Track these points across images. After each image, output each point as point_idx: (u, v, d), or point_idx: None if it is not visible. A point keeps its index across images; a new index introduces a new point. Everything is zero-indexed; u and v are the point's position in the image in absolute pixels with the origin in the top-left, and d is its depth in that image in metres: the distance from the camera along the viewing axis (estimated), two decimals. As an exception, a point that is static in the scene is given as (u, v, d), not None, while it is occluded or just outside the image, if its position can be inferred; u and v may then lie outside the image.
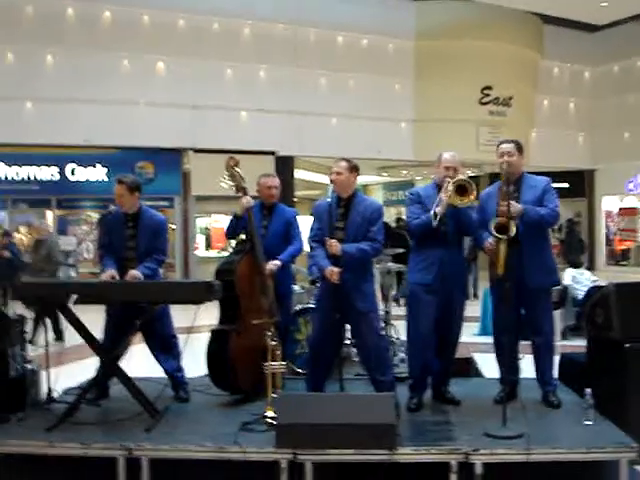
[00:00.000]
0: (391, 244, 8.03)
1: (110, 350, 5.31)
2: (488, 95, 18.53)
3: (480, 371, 6.92)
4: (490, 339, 5.71)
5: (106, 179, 16.10)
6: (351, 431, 4.31)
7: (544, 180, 5.40)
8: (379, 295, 6.00)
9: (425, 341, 5.33)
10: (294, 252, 6.09)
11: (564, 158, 19.40)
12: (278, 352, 5.10)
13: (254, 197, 5.99)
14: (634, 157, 18.90)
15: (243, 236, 6.00)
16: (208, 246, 18.31)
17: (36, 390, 5.66)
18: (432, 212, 5.14)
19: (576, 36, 19.65)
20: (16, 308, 6.90)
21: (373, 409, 4.42)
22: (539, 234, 5.31)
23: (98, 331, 5.50)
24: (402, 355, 6.92)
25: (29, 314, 6.38)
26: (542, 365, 5.40)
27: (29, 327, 7.13)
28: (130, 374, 5.33)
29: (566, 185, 18.84)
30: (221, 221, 17.50)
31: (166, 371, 5.76)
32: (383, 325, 7.09)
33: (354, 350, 6.43)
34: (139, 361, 6.51)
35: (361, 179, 5.45)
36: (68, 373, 6.02)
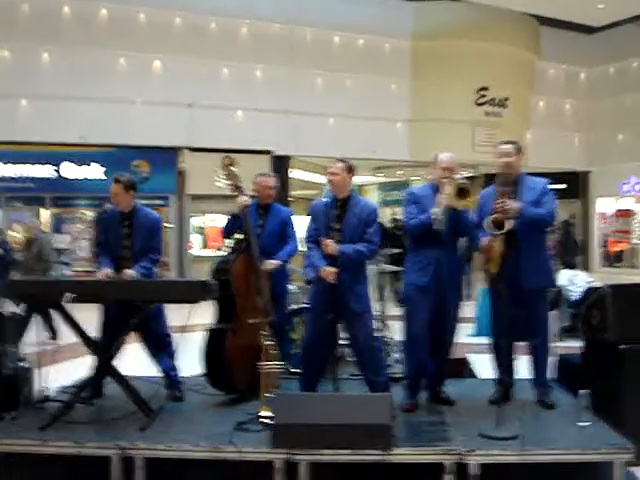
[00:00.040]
0: (391, 244, 8.04)
1: (105, 349, 5.29)
2: (484, 96, 18.52)
3: (474, 372, 6.91)
4: (485, 340, 5.71)
5: (102, 177, 16.05)
6: (346, 431, 4.30)
7: (542, 181, 5.40)
8: (374, 296, 6.00)
9: (420, 341, 5.33)
10: (291, 252, 6.10)
11: (560, 159, 19.40)
12: (274, 352, 5.09)
13: (250, 196, 5.98)
14: (629, 159, 18.91)
15: (239, 235, 5.99)
16: (204, 245, 18.26)
17: (29, 388, 5.65)
18: (429, 213, 5.15)
19: (572, 37, 19.65)
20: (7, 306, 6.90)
21: (368, 409, 4.41)
22: (536, 235, 5.31)
23: (93, 330, 5.48)
24: (397, 355, 6.92)
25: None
26: (537, 366, 5.41)
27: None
28: (124, 373, 5.32)
29: (562, 186, 18.81)
30: (216, 220, 17.47)
31: (161, 370, 5.75)
32: (378, 325, 7.09)
33: (349, 350, 6.42)
34: (133, 360, 6.49)
35: (357, 179, 5.45)
36: (62, 371, 6.00)
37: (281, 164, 16.66)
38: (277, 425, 4.38)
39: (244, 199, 5.72)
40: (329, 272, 5.12)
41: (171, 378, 5.74)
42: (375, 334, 5.82)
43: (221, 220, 16.48)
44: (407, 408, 5.31)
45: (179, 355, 5.83)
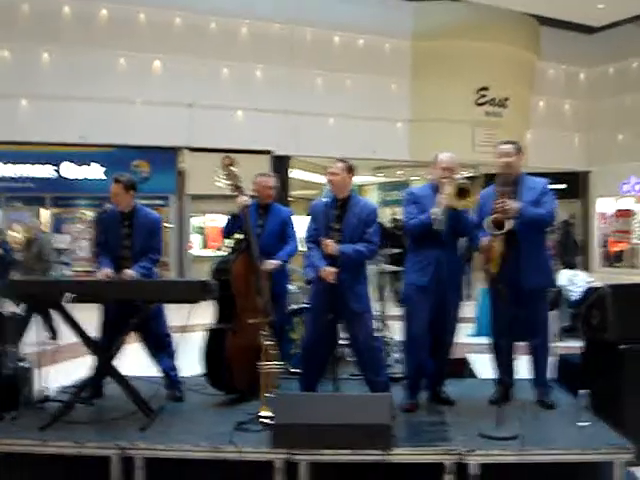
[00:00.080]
0: (391, 244, 8.04)
1: (105, 349, 5.29)
2: (484, 96, 18.52)
3: (474, 372, 6.91)
4: (485, 340, 5.71)
5: (102, 177, 16.05)
6: (346, 431, 4.30)
7: (542, 181, 5.40)
8: (374, 296, 5.99)
9: (420, 341, 5.33)
10: (291, 251, 6.10)
11: (559, 159, 19.40)
12: (274, 352, 5.09)
13: (251, 196, 5.98)
14: (629, 159, 18.91)
15: (239, 235, 5.99)
16: (204, 245, 18.26)
17: (29, 388, 5.65)
18: (428, 213, 5.15)
19: (572, 37, 19.64)
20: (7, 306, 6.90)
21: (368, 409, 4.41)
22: (536, 236, 5.31)
23: (93, 329, 5.48)
24: (397, 355, 6.92)
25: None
26: (537, 366, 5.41)
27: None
28: (124, 373, 5.32)
29: (561, 186, 18.80)
30: (216, 220, 17.47)
31: (161, 370, 5.75)
32: (378, 325, 7.09)
33: (349, 350, 6.41)
34: (133, 360, 6.49)
35: (357, 179, 5.45)
36: (62, 371, 6.00)
37: (281, 164, 16.65)
38: (277, 425, 4.38)
39: (244, 199, 5.72)
40: (329, 272, 5.12)
41: (171, 378, 5.73)
42: (375, 334, 5.83)
43: (221, 220, 16.49)
44: (407, 408, 5.31)
45: (179, 355, 5.82)
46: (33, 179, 16.07)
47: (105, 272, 5.50)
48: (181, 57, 16.07)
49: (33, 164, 16.05)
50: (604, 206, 20.35)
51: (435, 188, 5.32)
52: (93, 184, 16.08)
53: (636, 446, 4.32)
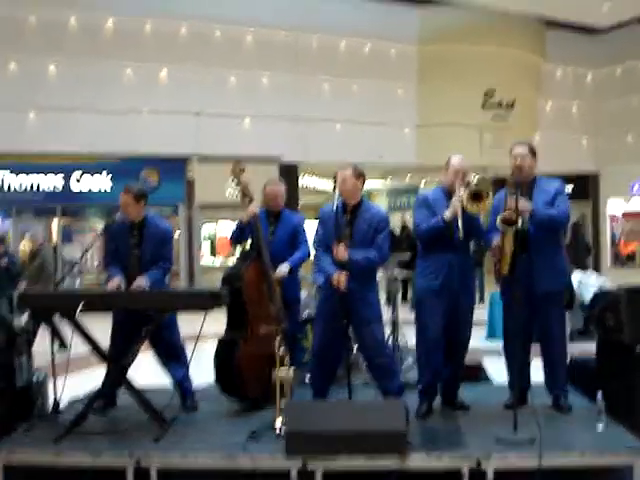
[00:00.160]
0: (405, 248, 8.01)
1: (118, 359, 5.28)
2: (491, 99, 18.48)
3: (489, 376, 6.87)
4: (498, 343, 5.68)
5: (111, 187, 16.09)
6: (361, 438, 4.28)
7: (556, 182, 5.37)
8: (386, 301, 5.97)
9: (434, 346, 5.30)
10: (302, 257, 6.08)
11: (568, 161, 19.29)
12: (287, 360, 5.06)
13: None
14: (638, 159, 18.84)
15: (249, 242, 5.98)
16: (213, 254, 18.26)
17: (43, 400, 5.65)
18: (439, 217, 5.13)
19: (578, 39, 19.58)
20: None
21: (383, 416, 4.39)
22: (550, 237, 5.27)
23: (104, 339, 5.47)
24: (411, 361, 6.89)
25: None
26: (553, 370, 5.36)
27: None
28: (137, 383, 5.31)
29: (571, 186, 18.73)
30: (226, 229, 17.48)
31: (173, 379, 5.73)
32: (391, 331, 7.07)
33: (361, 357, 6.38)
34: (147, 370, 6.49)
35: (365, 185, 5.41)
36: (75, 383, 5.98)
37: (289, 171, 16.63)
38: (291, 433, 4.36)
39: (253, 208, 5.71)
40: (341, 279, 5.08)
41: (184, 388, 5.71)
42: (386, 340, 5.81)
43: (230, 228, 16.49)
44: (421, 414, 5.28)
45: (191, 364, 5.81)
46: (42, 190, 16.12)
47: (115, 282, 5.49)
48: (187, 66, 16.10)
49: (44, 175, 16.08)
50: (614, 207, 20.27)
51: (446, 192, 5.30)
52: (102, 194, 16.13)
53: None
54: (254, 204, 5.76)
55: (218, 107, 16.27)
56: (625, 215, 20.06)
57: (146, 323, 5.23)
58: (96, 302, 5.09)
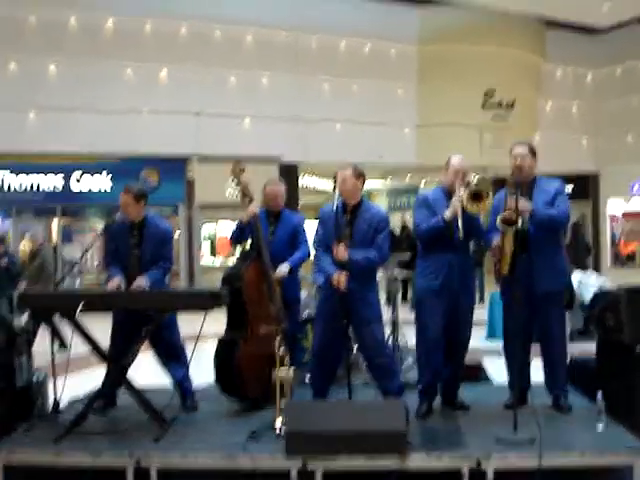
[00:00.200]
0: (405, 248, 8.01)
1: (118, 359, 5.28)
2: (491, 99, 18.47)
3: (489, 376, 6.87)
4: (498, 343, 5.68)
5: (110, 188, 16.10)
6: (361, 438, 4.28)
7: (556, 182, 5.37)
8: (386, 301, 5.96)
9: (434, 346, 5.30)
10: (302, 257, 6.08)
11: (568, 161, 19.28)
12: (287, 360, 5.06)
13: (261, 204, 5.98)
14: (638, 159, 18.84)
15: (249, 242, 5.98)
16: (213, 254, 18.27)
17: (43, 400, 5.65)
18: (439, 217, 5.13)
19: (578, 39, 19.58)
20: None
21: (383, 416, 4.39)
22: (550, 237, 5.27)
23: (104, 339, 5.47)
24: (411, 361, 6.89)
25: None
26: (553, 370, 5.36)
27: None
28: (137, 383, 5.31)
29: (571, 187, 18.74)
30: (226, 229, 17.48)
31: (173, 380, 5.73)
32: (391, 331, 7.06)
33: (361, 357, 6.38)
34: (147, 369, 6.48)
35: (365, 184, 5.41)
36: (75, 383, 5.98)
37: (289, 171, 16.63)
38: (291, 433, 4.36)
39: (253, 208, 5.71)
40: (341, 279, 5.08)
41: (184, 388, 5.71)
42: (386, 340, 5.81)
43: (230, 228, 16.49)
44: (421, 414, 5.28)
45: (191, 364, 5.80)
46: (43, 190, 16.12)
47: (115, 283, 5.49)
48: (187, 66, 16.11)
49: (43, 175, 16.09)
50: (615, 207, 20.28)
51: (446, 192, 5.30)
52: (102, 194, 16.13)
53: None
54: (254, 204, 5.76)
55: (218, 107, 16.27)
56: (625, 215, 20.07)
57: (146, 323, 5.23)
58: (96, 302, 5.09)
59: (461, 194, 5.07)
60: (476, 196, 5.03)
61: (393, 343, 7.14)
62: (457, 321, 5.32)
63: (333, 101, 17.44)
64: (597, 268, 18.78)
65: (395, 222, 18.19)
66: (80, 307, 4.87)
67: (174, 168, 16.64)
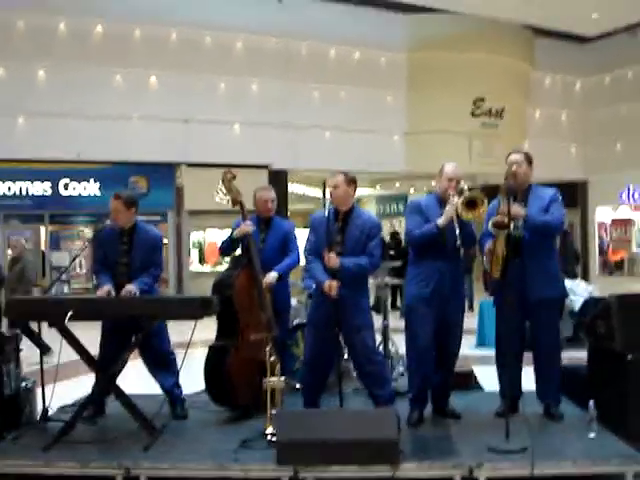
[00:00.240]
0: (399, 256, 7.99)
1: (107, 367, 5.23)
2: (480, 107, 18.54)
3: (480, 384, 6.86)
4: (488, 351, 5.66)
5: (99, 194, 16.04)
6: (353, 447, 4.25)
7: (552, 190, 5.38)
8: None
9: (424, 354, 5.28)
10: (291, 264, 6.04)
11: (557, 169, 19.31)
12: (277, 367, 5.03)
13: (250, 210, 5.95)
14: (627, 168, 18.93)
15: (240, 250, 5.96)
16: (201, 261, 18.23)
17: (31, 408, 5.59)
18: (432, 224, 5.12)
19: (567, 47, 19.69)
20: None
21: (375, 424, 4.37)
22: (543, 244, 5.27)
23: (93, 347, 5.43)
24: (401, 369, 6.87)
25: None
26: (546, 378, 5.35)
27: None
28: (126, 390, 5.27)
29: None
30: (214, 235, 17.47)
31: (163, 388, 5.69)
32: (381, 339, 7.04)
33: (352, 365, 6.36)
34: (135, 377, 6.44)
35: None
36: (63, 390, 5.94)
37: (278, 178, 16.62)
38: (282, 442, 4.33)
39: (247, 227, 5.69)
40: (333, 286, 5.06)
41: (174, 396, 5.67)
42: (377, 348, 5.78)
43: (219, 236, 16.48)
44: (412, 422, 5.26)
45: (181, 372, 5.76)
46: (31, 196, 16.03)
47: (105, 289, 5.45)
48: (177, 72, 16.06)
49: (30, 181, 16.00)
50: (603, 215, 20.37)
51: (439, 199, 5.29)
52: (91, 201, 16.07)
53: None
54: (248, 223, 5.74)
55: (207, 113, 16.26)
56: (613, 223, 20.15)
57: (136, 330, 5.19)
58: (85, 309, 5.06)
59: (456, 201, 5.06)
60: (471, 203, 5.03)
61: (383, 350, 7.12)
62: (447, 328, 5.31)
63: (322, 108, 17.44)
64: (585, 276, 18.82)
65: (384, 229, 18.20)
66: (69, 315, 4.83)
67: (163, 174, 16.60)
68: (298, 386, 6.29)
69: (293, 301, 7.24)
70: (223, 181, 5.81)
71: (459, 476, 4.21)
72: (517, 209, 5.09)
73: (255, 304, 5.57)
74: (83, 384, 5.81)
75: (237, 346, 5.52)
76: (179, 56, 16.12)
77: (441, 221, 5.09)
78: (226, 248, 6.00)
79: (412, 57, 18.18)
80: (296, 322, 6.95)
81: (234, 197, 5.78)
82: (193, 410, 5.73)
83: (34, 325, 7.53)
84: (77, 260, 15.54)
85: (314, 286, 5.62)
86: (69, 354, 5.26)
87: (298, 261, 6.15)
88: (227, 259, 6.48)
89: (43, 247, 16.60)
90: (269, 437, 4.72)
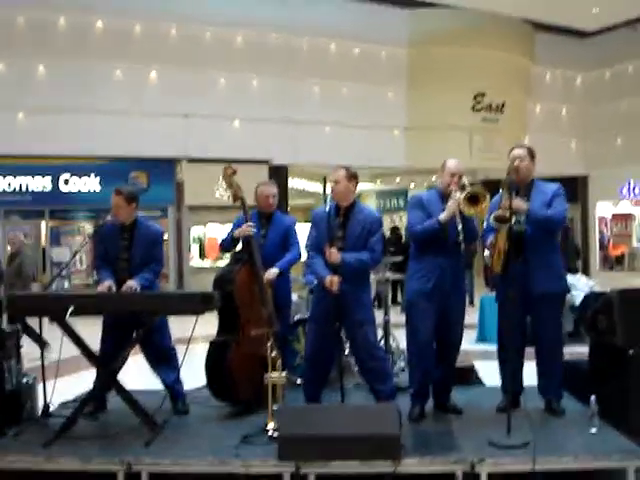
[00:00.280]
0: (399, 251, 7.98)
1: (108, 362, 5.23)
2: (481, 102, 18.52)
3: (481, 379, 6.85)
4: (489, 346, 5.66)
5: (99, 189, 16.04)
6: (354, 442, 4.25)
7: (555, 185, 5.37)
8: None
9: (425, 349, 5.28)
10: (292, 259, 6.04)
11: (557, 164, 19.30)
12: (279, 363, 5.02)
13: (251, 206, 5.95)
14: (627, 162, 18.94)
15: (240, 246, 5.95)
16: (202, 256, 18.23)
17: (32, 404, 5.59)
18: (434, 219, 5.11)
19: (567, 42, 19.68)
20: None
21: (376, 420, 4.36)
22: (546, 239, 5.26)
23: (94, 342, 5.43)
24: (402, 364, 6.87)
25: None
26: (547, 374, 5.34)
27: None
28: (128, 386, 5.26)
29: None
30: (215, 231, 17.47)
31: (164, 383, 5.68)
32: (382, 334, 7.04)
33: (353, 359, 6.37)
34: (137, 372, 6.44)
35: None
36: (64, 386, 5.93)
37: (279, 173, 16.62)
38: (284, 437, 4.33)
39: (248, 229, 5.68)
40: (333, 281, 5.06)
41: (175, 391, 5.66)
42: (379, 343, 5.78)
43: (219, 231, 16.50)
44: (414, 417, 5.25)
45: (182, 367, 5.76)
46: (31, 192, 16.04)
47: (106, 285, 5.44)
48: (177, 68, 16.06)
49: (31, 177, 16.00)
50: (603, 210, 20.37)
51: (441, 194, 5.29)
52: (91, 196, 16.07)
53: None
54: (250, 224, 5.73)
55: (208, 109, 16.25)
56: (614, 218, 20.15)
57: (136, 326, 5.19)
58: (86, 305, 5.04)
59: (458, 196, 5.06)
60: (473, 199, 5.02)
61: (384, 346, 7.12)
62: (448, 323, 5.30)
63: (323, 103, 17.44)
64: (586, 271, 18.82)
65: (385, 224, 18.19)
66: (70, 310, 4.83)
67: (163, 170, 16.60)
68: (299, 381, 6.31)
69: (294, 296, 7.25)
70: (224, 177, 5.80)
71: (460, 471, 4.20)
72: (519, 203, 5.09)
73: (256, 299, 5.57)
74: (84, 380, 5.81)
75: (238, 341, 5.52)
76: (179, 51, 16.11)
77: (443, 216, 5.09)
78: (227, 245, 6.00)
79: (412, 52, 18.17)
80: (297, 317, 6.95)
81: (235, 192, 5.78)
82: (194, 405, 5.72)
83: (35, 321, 7.51)
84: (77, 256, 15.51)
85: (315, 281, 5.63)
86: (70, 350, 5.26)
87: (299, 256, 6.15)
88: (227, 254, 6.46)
89: (43, 243, 16.61)
90: (270, 432, 4.72)
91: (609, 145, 19.61)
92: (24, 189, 16.00)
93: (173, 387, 5.65)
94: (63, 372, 5.62)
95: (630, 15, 17.59)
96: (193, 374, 6.06)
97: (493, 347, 5.63)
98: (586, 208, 20.71)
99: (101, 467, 4.40)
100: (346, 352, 6.36)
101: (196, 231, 17.99)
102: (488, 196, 5.06)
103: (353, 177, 5.29)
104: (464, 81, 17.98)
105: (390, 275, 7.47)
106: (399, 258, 8.30)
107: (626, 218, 19.85)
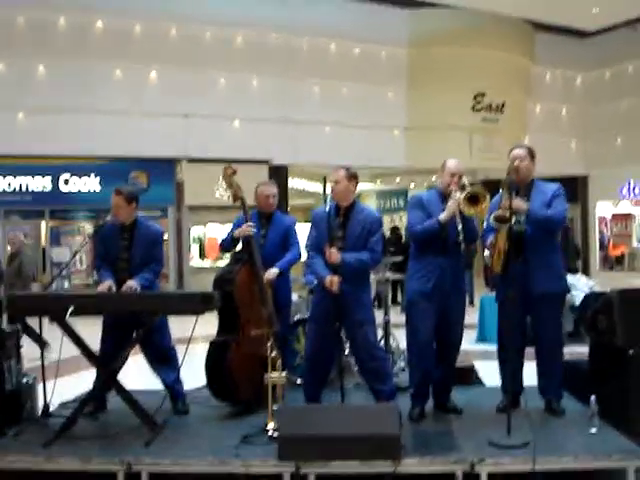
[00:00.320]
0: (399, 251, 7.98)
1: (108, 362, 5.23)
2: (481, 102, 18.52)
3: (481, 379, 6.85)
4: (489, 346, 5.66)
5: (99, 189, 16.04)
6: (354, 442, 4.25)
7: (555, 185, 5.37)
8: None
9: (425, 349, 5.28)
10: (292, 259, 6.04)
11: (557, 164, 19.28)
12: (279, 363, 5.02)
13: (251, 206, 5.95)
14: (627, 162, 18.93)
15: (240, 246, 5.95)
16: (202, 256, 18.23)
17: (32, 404, 5.59)
18: (434, 219, 5.11)
19: (567, 42, 19.67)
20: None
21: (376, 420, 4.36)
22: (546, 239, 5.26)
23: (94, 342, 5.42)
24: (402, 364, 6.87)
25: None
26: (548, 374, 5.34)
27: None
28: (128, 386, 5.26)
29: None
30: (215, 231, 17.47)
31: (164, 383, 5.68)
32: (382, 334, 7.04)
33: (353, 360, 6.37)
34: (137, 372, 6.43)
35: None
36: (64, 386, 5.93)
37: (279, 173, 16.61)
38: (284, 437, 4.33)
39: (248, 229, 5.68)
40: (333, 281, 5.06)
41: (175, 391, 5.67)
42: (379, 343, 5.78)
43: (219, 230, 16.50)
44: (414, 417, 5.25)
45: (182, 367, 5.76)
46: (31, 192, 16.03)
47: (106, 285, 5.45)
48: (177, 67, 16.05)
49: (31, 177, 16.00)
50: (603, 210, 20.36)
51: (441, 194, 5.29)
52: (91, 196, 16.06)
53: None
54: (250, 224, 5.72)
55: (208, 109, 16.25)
56: (614, 217, 20.14)
57: (136, 326, 5.19)
58: (86, 305, 5.04)
59: (458, 197, 5.06)
60: (473, 199, 5.02)
61: (384, 346, 7.12)
62: (448, 323, 5.30)
63: (323, 103, 17.43)
64: (586, 271, 18.82)
65: (385, 224, 18.19)
66: (70, 310, 4.83)
67: (163, 170, 16.59)
68: (299, 381, 6.31)
69: (294, 296, 7.24)
70: (224, 177, 5.80)
71: (460, 471, 4.20)
72: (519, 203, 5.09)
73: (256, 299, 5.57)
74: (84, 380, 5.81)
75: (238, 341, 5.52)
76: (179, 51, 16.10)
77: (443, 216, 5.10)
78: (227, 245, 6.00)
79: (412, 52, 18.16)
80: (297, 317, 6.95)
81: (235, 192, 5.78)
82: (194, 405, 5.73)
83: (35, 321, 7.51)
84: (77, 256, 15.51)
85: (315, 281, 5.63)
86: (70, 350, 5.26)
87: (299, 256, 6.15)
88: (227, 254, 6.47)
89: (43, 243, 16.61)
90: (270, 432, 4.72)
91: (609, 145, 19.60)
92: (24, 189, 15.99)
93: (173, 387, 5.66)
94: (63, 372, 5.62)
95: (630, 15, 17.59)
96: (193, 374, 6.06)
97: (493, 347, 5.63)
98: (586, 208, 20.70)
99: (101, 467, 4.41)
100: (346, 352, 6.36)
101: (196, 231, 17.99)
102: (488, 196, 5.06)
103: (353, 177, 5.29)
104: (464, 81, 17.97)
105: (390, 275, 7.47)
106: (399, 258, 8.30)
107: (626, 218, 19.84)
